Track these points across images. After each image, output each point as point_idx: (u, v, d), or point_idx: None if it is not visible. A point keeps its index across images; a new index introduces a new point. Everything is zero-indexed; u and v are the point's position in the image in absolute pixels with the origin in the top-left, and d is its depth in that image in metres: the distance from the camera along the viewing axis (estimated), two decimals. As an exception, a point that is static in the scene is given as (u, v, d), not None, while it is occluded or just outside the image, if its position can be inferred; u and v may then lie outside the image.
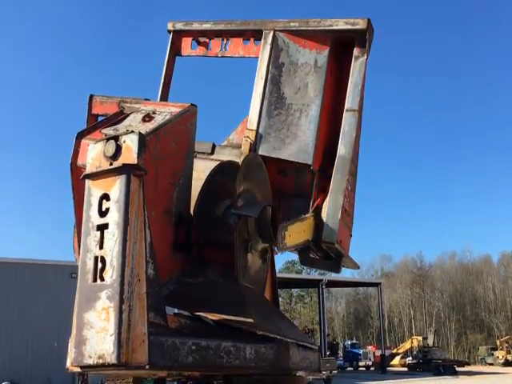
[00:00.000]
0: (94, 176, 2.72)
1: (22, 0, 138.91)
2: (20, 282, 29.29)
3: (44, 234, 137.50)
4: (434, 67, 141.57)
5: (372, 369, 58.30)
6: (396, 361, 61.21)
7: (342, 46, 4.57)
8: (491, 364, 66.63)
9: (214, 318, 3.24)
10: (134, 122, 3.39)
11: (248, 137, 4.36)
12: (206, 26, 4.96)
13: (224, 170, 3.94)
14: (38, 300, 29.22)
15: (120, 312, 2.47)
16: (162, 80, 5.06)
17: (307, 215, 4.21)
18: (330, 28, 4.45)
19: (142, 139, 2.73)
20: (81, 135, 3.39)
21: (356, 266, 5.04)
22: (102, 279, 2.54)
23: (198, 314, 3.32)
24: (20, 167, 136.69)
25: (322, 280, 47.22)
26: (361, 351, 62.12)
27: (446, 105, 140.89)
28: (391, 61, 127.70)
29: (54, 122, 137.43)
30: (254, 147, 4.33)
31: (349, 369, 58.60)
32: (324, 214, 4.21)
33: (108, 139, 2.74)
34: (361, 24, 4.37)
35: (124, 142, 2.71)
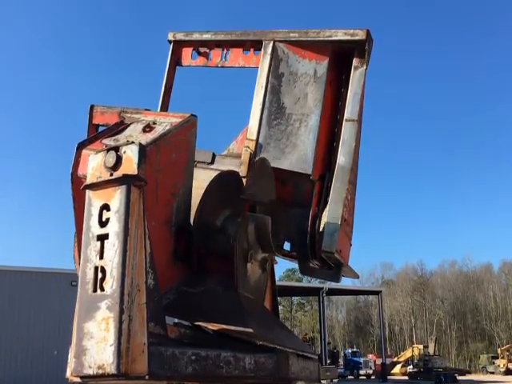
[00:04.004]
0: (94, 186, 2.73)
1: (23, 6, 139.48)
2: (20, 290, 29.25)
3: (44, 242, 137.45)
4: (432, 75, 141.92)
5: (373, 377, 58.02)
6: (397, 369, 61.05)
7: (341, 57, 4.60)
8: (492, 373, 66.39)
9: (213, 328, 3.24)
10: (134, 132, 3.41)
11: (248, 146, 4.37)
12: (207, 37, 4.99)
13: (224, 180, 3.95)
14: (38, 308, 29.20)
15: (120, 322, 2.47)
16: (163, 90, 5.09)
17: None
18: (330, 39, 4.47)
19: (143, 150, 2.74)
20: (81, 145, 3.41)
21: (356, 276, 5.04)
22: (102, 289, 2.55)
23: (197, 323, 3.32)
24: (20, 175, 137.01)
25: (322, 288, 47.13)
26: (361, 359, 61.80)
27: (446, 113, 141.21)
28: (391, 68, 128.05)
29: (55, 130, 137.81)
30: (253, 157, 4.34)
31: (349, 377, 58.39)
32: (323, 224, 4.22)
33: (108, 150, 2.75)
34: (360, 35, 4.39)
35: (124, 152, 2.72)
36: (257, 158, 4.12)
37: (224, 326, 3.21)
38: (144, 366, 2.49)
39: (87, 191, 2.75)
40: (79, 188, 2.86)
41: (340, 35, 4.46)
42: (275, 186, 4.30)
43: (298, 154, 4.33)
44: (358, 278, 5.20)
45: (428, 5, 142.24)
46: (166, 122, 3.38)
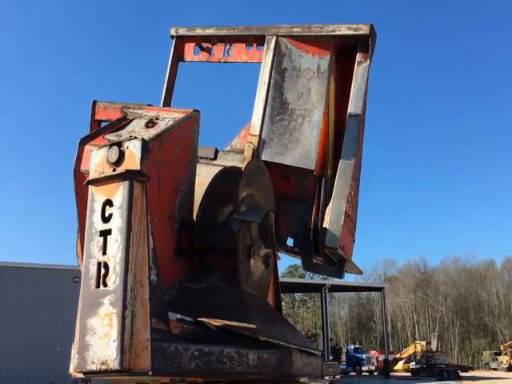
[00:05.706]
0: (97, 182, 2.72)
1: (24, 5, 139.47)
2: (23, 286, 29.30)
3: (46, 238, 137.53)
4: (433, 72, 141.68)
5: (375, 373, 58.10)
6: (399, 366, 61.05)
7: (344, 52, 4.58)
8: (495, 369, 66.44)
9: (216, 324, 3.24)
10: (137, 127, 3.40)
11: (251, 142, 4.36)
12: (209, 32, 4.97)
13: (227, 176, 3.94)
14: (40, 304, 29.24)
15: (123, 318, 2.47)
16: (165, 85, 5.07)
17: None
18: (333, 33, 4.46)
19: (145, 145, 2.73)
20: (84, 141, 3.40)
21: (359, 272, 5.03)
22: (105, 285, 2.54)
23: (200, 319, 3.31)
24: (22, 171, 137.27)
25: (324, 284, 47.16)
26: (364, 356, 61.88)
27: (447, 109, 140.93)
28: (394, 65, 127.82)
29: (56, 127, 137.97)
30: (256, 152, 4.33)
31: (352, 373, 58.48)
32: (327, 220, 4.20)
33: (111, 145, 2.74)
34: (363, 29, 4.37)
35: (127, 148, 2.71)
36: (250, 162, 4.06)
37: (227, 322, 3.20)
38: (147, 362, 2.49)
39: (90, 187, 2.74)
40: (82, 184, 2.85)
41: (343, 30, 4.44)
42: (278, 182, 4.29)
43: (301, 150, 4.31)
44: (361, 274, 5.19)
45: (430, 3, 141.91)
46: (168, 118, 3.37)
